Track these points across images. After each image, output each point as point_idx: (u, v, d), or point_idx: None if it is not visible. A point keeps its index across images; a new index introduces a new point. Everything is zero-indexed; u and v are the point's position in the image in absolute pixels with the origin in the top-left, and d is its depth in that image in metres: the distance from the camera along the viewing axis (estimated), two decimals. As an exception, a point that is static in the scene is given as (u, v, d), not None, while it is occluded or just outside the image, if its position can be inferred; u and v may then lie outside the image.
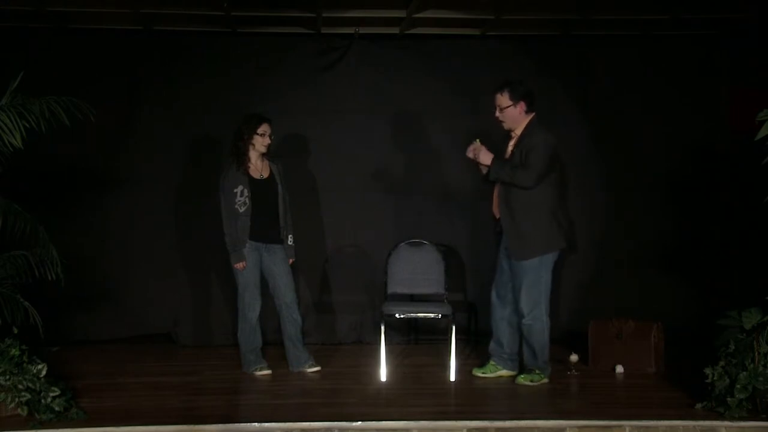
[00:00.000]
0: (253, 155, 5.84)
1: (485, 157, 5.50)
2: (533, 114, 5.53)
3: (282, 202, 5.91)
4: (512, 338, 5.68)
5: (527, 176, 5.37)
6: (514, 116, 5.51)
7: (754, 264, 6.51)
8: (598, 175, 7.09)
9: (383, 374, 5.68)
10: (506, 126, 5.56)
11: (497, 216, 5.59)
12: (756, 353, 4.72)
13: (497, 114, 5.54)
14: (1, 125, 4.76)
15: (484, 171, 5.58)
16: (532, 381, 5.51)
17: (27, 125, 4.82)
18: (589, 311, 6.62)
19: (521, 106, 5.49)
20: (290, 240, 5.94)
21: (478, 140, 5.56)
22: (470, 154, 5.55)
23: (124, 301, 6.92)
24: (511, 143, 5.58)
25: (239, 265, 5.77)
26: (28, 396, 4.60)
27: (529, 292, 5.44)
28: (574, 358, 5.83)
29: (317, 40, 7.06)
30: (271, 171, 5.93)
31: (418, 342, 7.06)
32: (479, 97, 6.59)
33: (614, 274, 7.04)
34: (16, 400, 4.60)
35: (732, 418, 4.59)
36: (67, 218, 6.67)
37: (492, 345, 5.76)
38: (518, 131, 5.53)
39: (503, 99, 5.51)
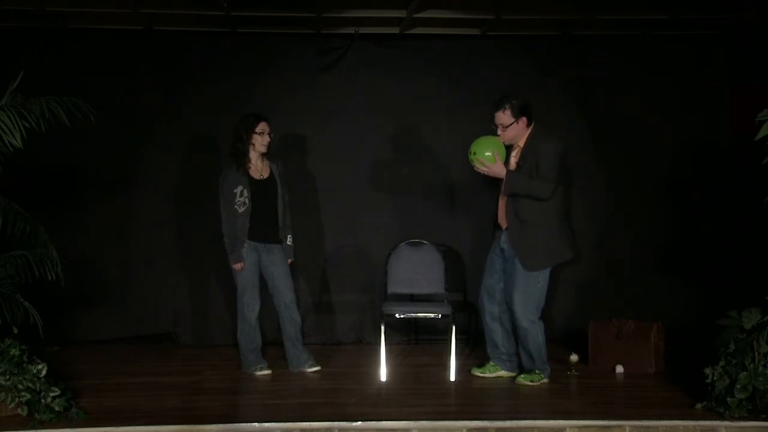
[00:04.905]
0: (254, 155, 5.83)
1: (498, 170, 5.39)
2: (533, 123, 5.47)
3: (281, 202, 5.90)
4: (506, 337, 5.66)
5: (546, 188, 5.29)
6: (517, 131, 5.43)
7: (754, 264, 6.51)
8: (598, 175, 7.09)
9: (383, 374, 5.68)
10: (509, 141, 5.47)
11: (504, 226, 5.53)
12: (756, 353, 4.72)
13: (499, 132, 5.44)
14: (1, 125, 4.75)
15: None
16: (532, 381, 5.51)
17: (27, 125, 4.81)
18: (589, 311, 6.62)
19: (523, 121, 5.42)
20: (289, 240, 5.94)
21: (489, 153, 5.36)
22: (483, 169, 5.41)
23: (124, 301, 6.91)
24: (514, 153, 5.50)
25: (237, 266, 5.77)
26: (28, 396, 4.60)
27: (525, 296, 5.41)
28: (574, 358, 5.82)
29: (317, 40, 7.06)
30: (271, 171, 5.92)
31: (418, 342, 7.06)
32: (479, 97, 6.60)
33: (614, 274, 7.04)
34: (16, 400, 4.60)
35: (732, 418, 4.59)
36: (67, 218, 6.67)
37: (488, 348, 5.75)
38: (521, 142, 5.46)
39: (505, 117, 5.41)
